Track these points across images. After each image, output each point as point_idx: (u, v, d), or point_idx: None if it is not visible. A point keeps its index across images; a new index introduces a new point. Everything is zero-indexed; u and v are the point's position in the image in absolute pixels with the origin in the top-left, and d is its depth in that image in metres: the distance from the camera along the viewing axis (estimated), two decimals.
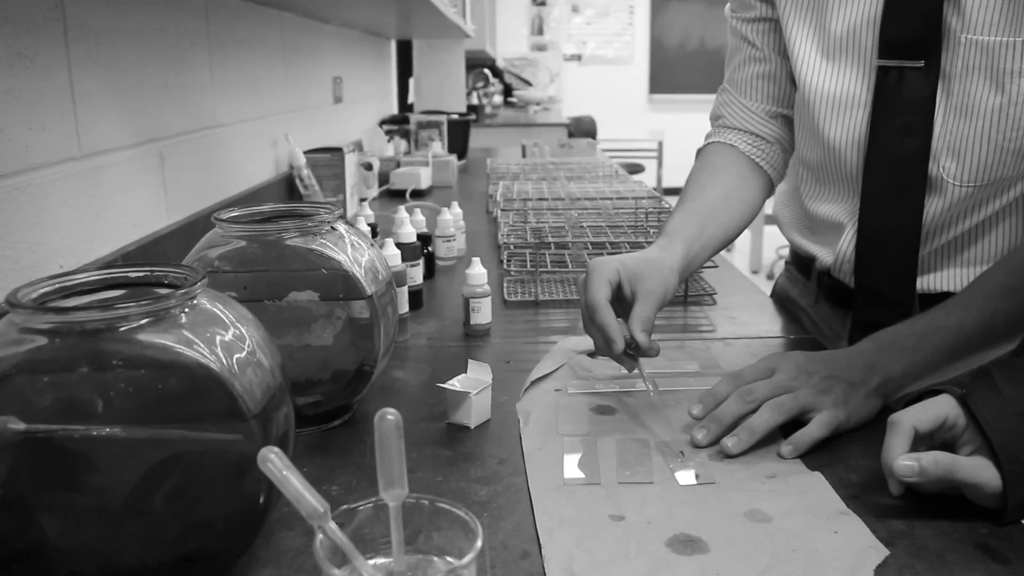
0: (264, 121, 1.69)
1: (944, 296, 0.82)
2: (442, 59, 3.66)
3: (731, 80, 1.04)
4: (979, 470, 0.60)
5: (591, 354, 0.96)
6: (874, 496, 0.65)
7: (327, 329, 0.76)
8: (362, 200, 1.98)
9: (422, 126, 2.68)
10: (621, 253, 0.93)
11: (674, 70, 7.17)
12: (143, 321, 0.51)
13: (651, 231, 1.44)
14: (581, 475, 0.70)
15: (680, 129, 6.44)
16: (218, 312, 0.55)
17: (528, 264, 1.33)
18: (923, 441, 0.64)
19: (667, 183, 6.03)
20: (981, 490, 0.61)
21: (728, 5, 1.04)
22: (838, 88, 0.90)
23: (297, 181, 1.77)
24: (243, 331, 0.56)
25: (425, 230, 1.35)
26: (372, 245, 0.83)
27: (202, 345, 0.51)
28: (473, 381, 0.81)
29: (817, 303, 1.07)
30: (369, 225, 1.42)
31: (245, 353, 0.54)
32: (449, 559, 0.46)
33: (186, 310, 0.53)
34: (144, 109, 1.13)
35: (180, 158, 1.24)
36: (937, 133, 0.84)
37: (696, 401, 0.78)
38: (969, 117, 0.82)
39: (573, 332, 1.06)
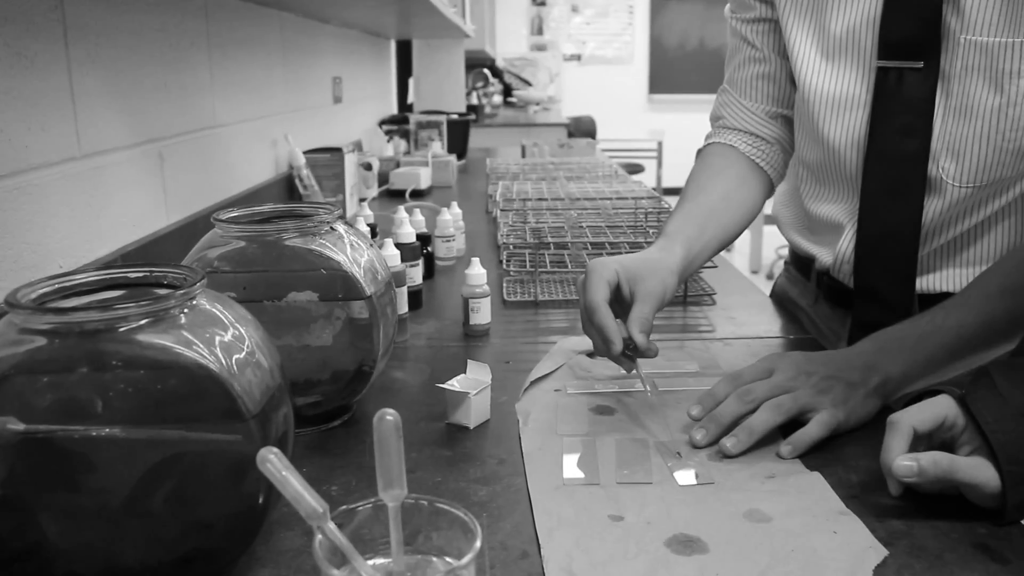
0: (264, 121, 1.69)
1: (943, 296, 0.82)
2: (442, 59, 3.66)
3: (731, 81, 1.05)
4: (978, 470, 0.60)
5: (590, 354, 0.96)
6: (873, 496, 0.65)
7: (326, 329, 0.76)
8: (362, 200, 1.98)
9: (422, 126, 2.68)
10: (620, 253, 0.93)
11: (674, 70, 7.17)
12: (142, 321, 0.51)
13: (650, 231, 1.44)
14: (580, 475, 0.70)
15: (680, 129, 6.44)
16: (217, 312, 0.55)
17: (527, 264, 1.33)
18: (922, 441, 0.64)
19: (667, 183, 6.03)
20: (980, 490, 0.61)
21: (728, 6, 1.04)
22: (838, 89, 0.90)
23: (297, 181, 1.77)
24: (242, 331, 0.56)
25: (424, 230, 1.35)
26: (371, 245, 0.83)
27: (201, 345, 0.51)
28: (472, 381, 0.81)
29: (816, 303, 1.07)
30: (368, 225, 1.42)
31: (244, 353, 0.54)
32: (448, 559, 0.46)
33: (185, 310, 0.53)
34: (144, 109, 1.13)
35: (180, 158, 1.24)
36: (936, 134, 0.84)
37: (695, 402, 0.78)
38: (968, 118, 0.82)
39: (572, 332, 1.06)
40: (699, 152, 1.06)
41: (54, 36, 0.91)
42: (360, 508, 0.46)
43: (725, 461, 0.72)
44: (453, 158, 2.42)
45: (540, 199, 1.68)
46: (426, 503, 0.46)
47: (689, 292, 1.21)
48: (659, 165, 6.25)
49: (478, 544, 0.43)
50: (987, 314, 0.77)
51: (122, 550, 0.50)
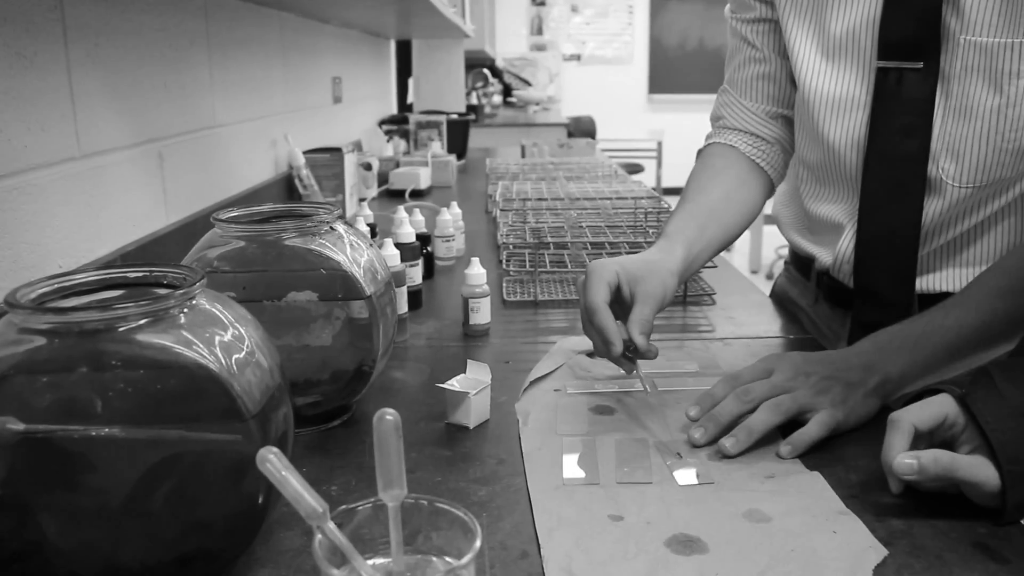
0: (263, 121, 1.69)
1: (943, 296, 0.82)
2: (441, 59, 3.66)
3: (731, 81, 1.05)
4: (978, 468, 0.60)
5: (590, 354, 0.96)
6: (873, 496, 0.66)
7: (326, 329, 0.76)
8: (361, 200, 1.98)
9: (421, 126, 2.68)
10: (620, 253, 0.93)
11: (673, 70, 7.17)
12: (142, 321, 0.51)
13: (650, 231, 1.44)
14: (580, 475, 0.70)
15: (679, 129, 6.44)
16: (217, 312, 0.55)
17: (527, 264, 1.33)
18: (923, 439, 0.64)
19: (666, 183, 6.03)
20: (980, 489, 0.61)
21: (728, 6, 1.04)
22: (838, 89, 0.90)
23: (296, 181, 1.77)
24: (242, 331, 0.56)
25: (424, 230, 1.35)
26: (371, 245, 0.83)
27: (201, 345, 0.51)
28: (472, 381, 0.81)
29: (816, 303, 1.07)
30: (368, 225, 1.42)
31: (244, 353, 0.54)
32: (448, 559, 0.46)
33: (185, 310, 0.53)
34: (143, 109, 1.13)
35: (179, 158, 1.24)
36: (936, 134, 0.84)
37: (693, 403, 0.78)
38: (968, 118, 0.83)
39: (572, 332, 1.06)
40: (699, 152, 1.06)
41: (54, 36, 0.91)
42: (360, 508, 0.46)
43: (725, 461, 0.72)
44: (453, 158, 2.42)
45: (540, 199, 1.68)
46: (426, 503, 0.46)
47: (689, 292, 1.21)
48: (659, 165, 6.25)
49: (478, 544, 0.43)
50: (987, 314, 0.78)
51: (122, 550, 0.50)
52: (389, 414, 0.44)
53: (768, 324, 1.12)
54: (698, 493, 0.67)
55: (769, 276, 4.76)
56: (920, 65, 0.83)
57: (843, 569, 0.56)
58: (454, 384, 0.80)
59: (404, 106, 3.97)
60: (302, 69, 1.99)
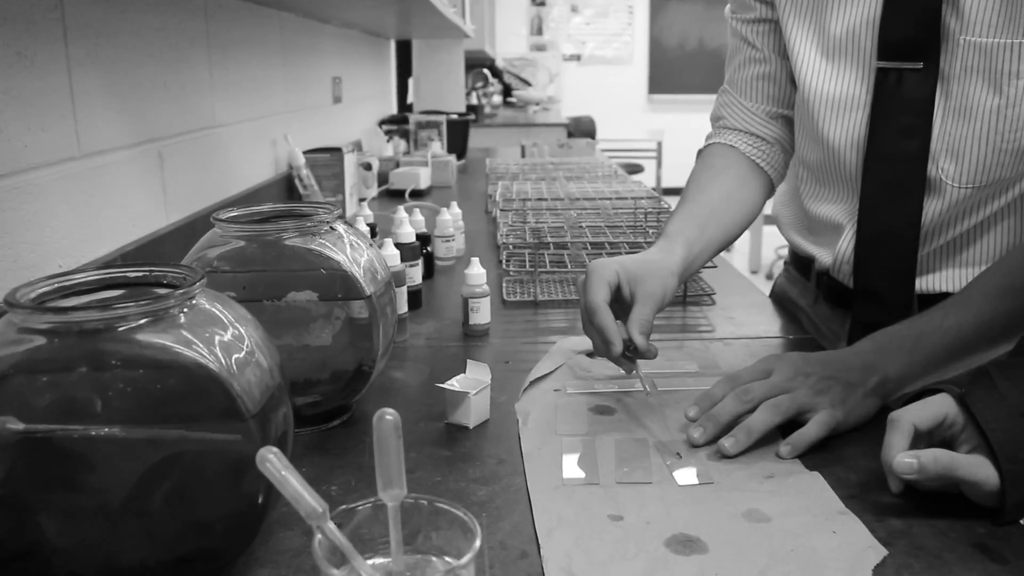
0: (263, 121, 1.69)
1: (943, 296, 0.82)
2: (441, 59, 3.66)
3: (731, 81, 1.05)
4: (978, 468, 0.60)
5: (590, 354, 0.96)
6: (873, 496, 0.66)
7: (326, 329, 0.76)
8: (361, 200, 1.98)
9: (421, 126, 2.68)
10: (620, 253, 0.93)
11: (673, 70, 7.17)
12: (142, 321, 0.51)
13: (650, 231, 1.44)
14: (580, 475, 0.70)
15: (679, 129, 6.44)
16: (217, 312, 0.55)
17: (527, 264, 1.33)
18: (922, 439, 0.64)
19: (666, 183, 6.03)
20: (979, 488, 0.61)
21: (728, 6, 1.04)
22: (838, 89, 0.90)
23: (296, 181, 1.77)
24: (242, 331, 0.56)
25: (424, 230, 1.35)
26: (371, 245, 0.83)
27: (201, 345, 0.51)
28: (472, 381, 0.81)
29: (816, 303, 1.07)
30: (368, 225, 1.42)
31: (244, 353, 0.54)
32: (448, 559, 0.46)
33: (185, 310, 0.53)
34: (143, 109, 1.13)
35: (179, 158, 1.24)
36: (936, 134, 0.84)
37: (692, 403, 0.78)
38: (968, 118, 0.83)
39: (572, 332, 1.06)
40: (699, 152, 1.06)
41: (54, 36, 0.91)
42: (359, 508, 0.46)
43: (724, 461, 0.72)
44: (453, 158, 2.42)
45: (540, 199, 1.68)
46: (425, 503, 0.46)
47: (689, 292, 1.21)
48: (659, 165, 6.25)
49: (477, 544, 0.43)
50: (986, 314, 0.78)
51: (121, 550, 0.50)
52: (389, 414, 0.44)
53: (768, 324, 1.12)
54: (698, 493, 0.67)
55: (769, 276, 4.76)
56: (920, 65, 0.83)
57: (843, 569, 0.56)
58: (454, 384, 0.81)
59: (404, 106, 3.97)
60: (302, 69, 1.99)
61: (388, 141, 2.65)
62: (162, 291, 0.55)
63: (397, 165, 2.34)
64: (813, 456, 0.72)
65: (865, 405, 0.77)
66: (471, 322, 1.06)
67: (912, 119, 0.85)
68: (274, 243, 0.75)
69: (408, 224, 1.23)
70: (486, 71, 5.25)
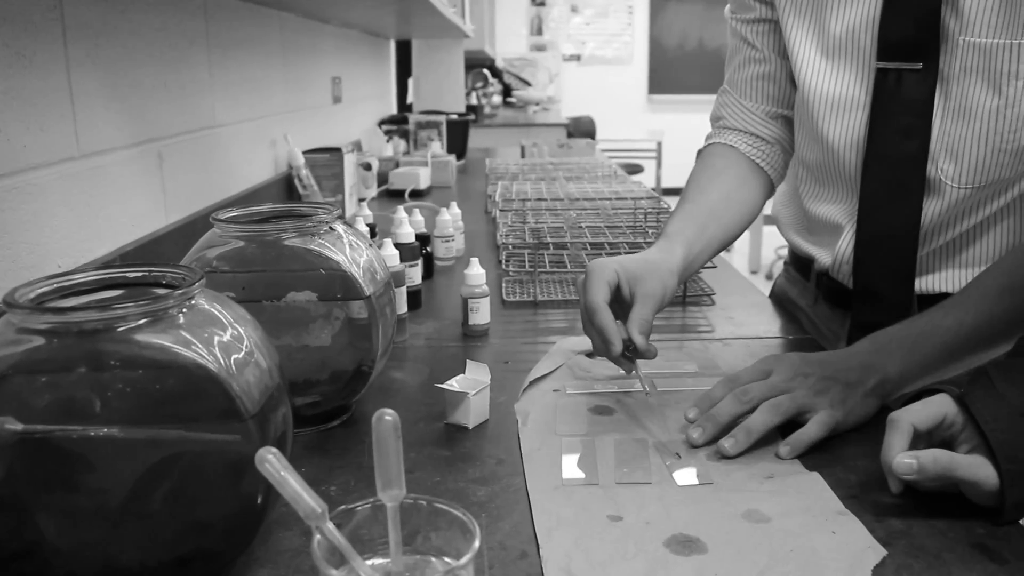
0: (263, 121, 1.69)
1: (942, 297, 0.82)
2: (441, 59, 3.66)
3: (731, 81, 1.05)
4: (977, 468, 0.60)
5: (589, 354, 0.96)
6: (872, 496, 0.66)
7: (325, 329, 0.76)
8: (361, 200, 1.98)
9: (421, 126, 2.68)
10: (619, 253, 0.93)
11: (673, 70, 7.17)
12: (141, 321, 0.50)
13: (650, 231, 1.44)
14: (579, 475, 0.70)
15: (679, 129, 6.44)
16: (216, 312, 0.55)
17: (527, 264, 1.33)
18: (922, 439, 0.64)
19: (666, 183, 6.03)
20: (979, 488, 0.61)
21: (728, 6, 1.04)
22: (837, 89, 0.90)
23: (296, 181, 1.77)
24: (241, 331, 0.56)
25: (424, 230, 1.36)
26: (371, 245, 0.83)
27: (200, 345, 0.51)
28: (471, 381, 0.81)
29: (816, 304, 1.07)
30: (368, 225, 1.42)
31: (243, 353, 0.54)
32: (447, 560, 0.46)
33: (184, 310, 0.53)
34: (143, 109, 1.13)
35: (179, 158, 1.24)
36: (935, 135, 0.84)
37: (691, 405, 0.78)
38: (967, 119, 0.83)
39: (571, 332, 1.06)
40: (699, 152, 1.06)
41: (53, 35, 0.91)
42: (359, 508, 0.46)
43: (724, 461, 0.72)
44: (452, 158, 2.42)
45: (539, 199, 1.68)
46: (425, 503, 0.46)
47: (688, 292, 1.21)
48: (658, 165, 6.25)
49: (477, 544, 0.43)
50: (985, 314, 0.78)
51: (120, 550, 0.50)
52: (388, 414, 0.44)
53: (767, 324, 1.12)
54: (697, 493, 0.67)
55: (769, 276, 4.76)
56: (919, 66, 0.83)
57: (842, 569, 0.56)
58: (453, 384, 0.80)
59: (404, 106, 3.97)
60: (302, 69, 1.99)
61: (388, 141, 2.65)
62: (161, 291, 0.55)
63: (397, 165, 2.34)
64: (813, 456, 0.72)
65: (864, 405, 0.77)
66: (470, 322, 1.06)
67: (911, 119, 0.85)
68: (273, 243, 0.75)
69: (408, 224, 1.23)
70: (486, 71, 5.25)
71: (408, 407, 0.84)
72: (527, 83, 6.14)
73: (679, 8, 7.09)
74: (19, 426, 0.48)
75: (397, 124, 2.85)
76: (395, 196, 2.14)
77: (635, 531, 0.61)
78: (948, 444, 0.65)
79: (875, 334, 0.81)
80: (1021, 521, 0.62)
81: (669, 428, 0.78)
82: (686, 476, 0.69)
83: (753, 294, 1.26)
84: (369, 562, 0.45)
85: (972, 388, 0.64)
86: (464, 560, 0.42)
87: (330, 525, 0.43)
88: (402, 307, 1.10)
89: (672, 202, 1.16)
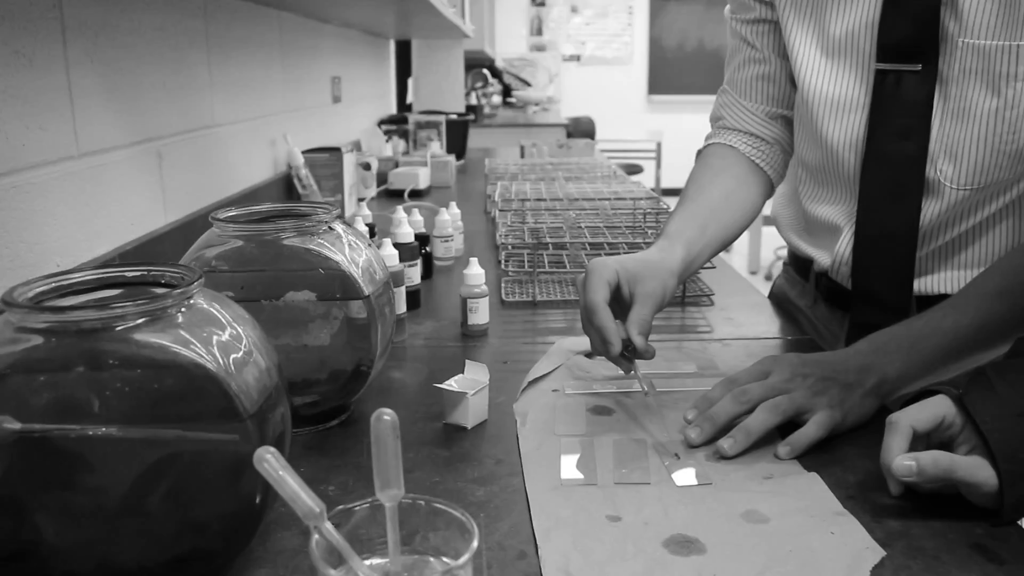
0: (262, 121, 1.69)
1: (941, 298, 0.82)
2: (441, 59, 3.66)
3: (731, 81, 1.05)
4: (977, 469, 0.61)
5: (588, 355, 0.96)
6: (871, 496, 0.66)
7: (324, 329, 0.76)
8: (360, 200, 1.98)
9: (420, 126, 2.68)
10: (619, 254, 0.93)
11: (673, 71, 7.17)
12: (139, 321, 0.50)
13: (649, 232, 1.44)
14: (578, 475, 0.70)
15: (679, 130, 6.44)
16: (215, 312, 0.55)
17: (526, 265, 1.33)
18: (921, 440, 0.64)
19: (665, 184, 6.03)
20: (978, 489, 0.61)
21: (728, 6, 1.04)
22: (837, 90, 0.90)
23: (295, 181, 1.77)
24: (240, 331, 0.56)
25: (423, 230, 1.36)
26: (370, 245, 0.83)
27: (198, 345, 0.51)
28: (470, 381, 0.81)
29: (815, 304, 1.07)
30: (367, 225, 1.42)
31: (242, 353, 0.54)
32: (445, 560, 0.46)
33: (183, 310, 0.53)
34: (142, 108, 1.13)
35: (178, 157, 1.24)
36: (934, 136, 0.85)
37: (691, 406, 0.78)
38: (966, 120, 0.83)
39: (571, 333, 1.06)
40: (699, 153, 1.06)
41: (52, 35, 0.91)
42: (357, 508, 0.46)
43: (723, 462, 0.72)
44: (452, 158, 2.42)
45: (539, 199, 1.68)
46: (423, 503, 0.46)
47: (688, 293, 1.21)
48: (658, 166, 6.25)
49: (475, 544, 0.43)
50: (984, 315, 0.78)
51: (118, 550, 0.50)
52: (387, 414, 0.44)
53: (766, 325, 1.12)
54: (696, 494, 0.67)
55: (768, 277, 4.76)
56: (918, 67, 0.83)
57: (841, 570, 0.56)
58: (452, 384, 0.80)
59: (403, 106, 3.97)
60: (301, 69, 1.99)
61: (387, 141, 2.65)
62: (160, 291, 0.55)
63: (396, 165, 2.34)
64: (811, 457, 0.72)
65: (863, 406, 0.77)
66: (469, 322, 1.06)
67: (911, 121, 0.85)
68: (272, 243, 0.75)
69: (407, 224, 1.23)
70: (486, 71, 5.25)
71: (407, 407, 0.84)
72: (527, 83, 6.14)
73: (679, 8, 7.09)
74: (17, 425, 0.48)
75: (396, 124, 2.85)
76: (394, 196, 2.14)
77: (634, 531, 0.61)
78: (947, 445, 0.65)
79: (874, 335, 0.81)
80: (1020, 522, 0.62)
81: (668, 428, 0.78)
82: (685, 476, 0.69)
83: (752, 295, 1.26)
84: (367, 562, 0.45)
85: (971, 389, 0.64)
86: (462, 560, 0.42)
87: (328, 525, 0.43)
88: (401, 307, 1.10)
89: (672, 202, 1.16)
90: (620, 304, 0.81)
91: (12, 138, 0.84)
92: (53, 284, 0.54)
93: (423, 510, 0.46)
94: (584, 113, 6.45)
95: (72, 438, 0.49)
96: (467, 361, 0.85)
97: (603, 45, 7.25)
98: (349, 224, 0.84)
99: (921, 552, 0.59)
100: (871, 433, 0.73)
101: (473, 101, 4.84)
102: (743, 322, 1.12)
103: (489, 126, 4.29)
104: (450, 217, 1.45)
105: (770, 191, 1.04)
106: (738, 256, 4.97)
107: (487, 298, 1.06)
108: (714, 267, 1.29)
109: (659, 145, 6.24)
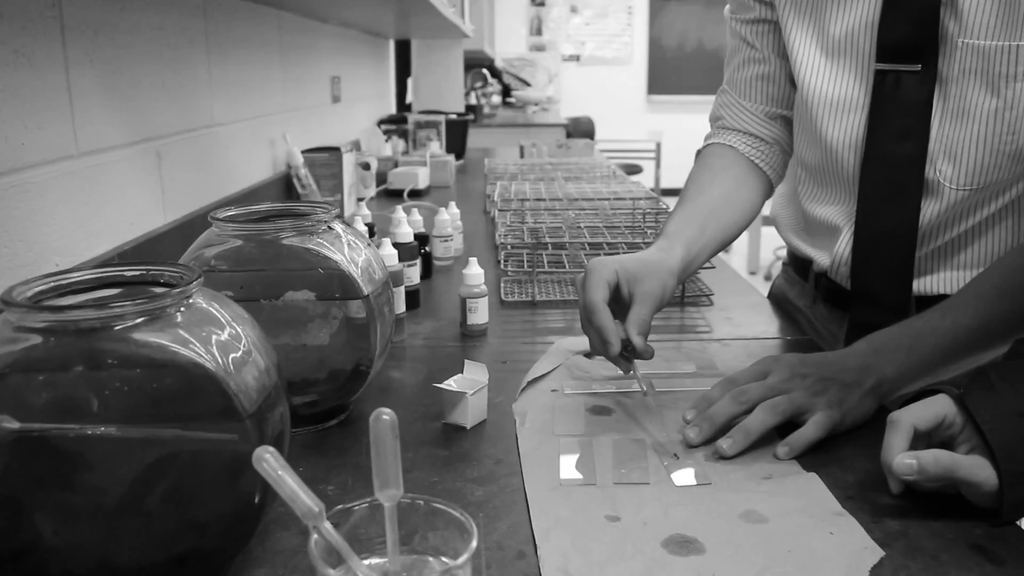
0: (262, 120, 1.69)
1: (940, 298, 0.82)
2: (440, 59, 3.66)
3: (730, 81, 1.05)
4: (978, 469, 0.61)
5: (587, 354, 0.96)
6: (870, 497, 0.66)
7: (323, 329, 0.76)
8: (360, 200, 1.98)
9: (420, 126, 2.68)
10: (618, 254, 0.93)
11: (672, 71, 7.17)
12: (138, 320, 0.50)
13: (648, 232, 1.44)
14: (577, 476, 0.70)
15: (678, 130, 6.44)
16: (214, 311, 0.55)
17: (525, 264, 1.33)
18: (921, 440, 0.64)
19: (665, 184, 6.03)
20: (979, 489, 0.61)
21: (728, 6, 1.04)
22: (837, 90, 0.90)
23: (295, 180, 1.77)
24: (239, 330, 0.56)
25: (422, 230, 1.35)
26: (369, 245, 0.83)
27: (198, 344, 0.51)
28: (469, 381, 0.81)
29: (814, 305, 1.07)
30: (366, 225, 1.42)
31: (241, 352, 0.54)
32: (444, 559, 0.46)
33: (182, 309, 0.53)
34: (141, 108, 1.13)
35: (177, 157, 1.24)
36: (934, 136, 0.85)
37: (690, 406, 0.78)
38: (965, 121, 0.83)
39: (570, 332, 1.06)
40: (699, 153, 1.06)
41: (51, 34, 0.91)
42: (356, 508, 0.46)
43: (722, 462, 0.72)
44: (451, 158, 2.42)
45: (538, 199, 1.68)
46: (422, 503, 0.46)
47: (687, 293, 1.21)
48: (657, 166, 6.25)
49: (474, 544, 0.43)
50: (983, 315, 0.78)
51: (117, 549, 0.50)
52: (386, 414, 0.44)
53: (766, 325, 1.12)
54: (695, 494, 0.67)
55: (767, 277, 4.76)
56: (918, 68, 0.83)
57: (840, 570, 0.56)
58: (451, 384, 0.80)
59: (403, 106, 3.97)
60: (301, 68, 1.99)
61: (387, 141, 2.65)
62: (159, 290, 0.55)
63: (396, 165, 2.34)
64: (810, 457, 0.72)
65: (862, 406, 0.77)
66: (469, 322, 1.06)
67: (910, 121, 0.85)
68: (272, 242, 0.75)
69: (406, 224, 1.23)
70: (485, 71, 5.25)
71: (406, 407, 0.84)
72: (526, 83, 6.14)
73: (678, 8, 7.09)
74: (16, 424, 0.48)
75: (396, 124, 2.85)
76: (394, 196, 2.14)
77: (633, 531, 0.61)
78: (947, 444, 0.65)
79: (873, 335, 0.81)
80: (1019, 522, 0.62)
81: (667, 428, 0.78)
82: (684, 476, 0.69)
83: (751, 295, 1.26)
84: (366, 562, 0.45)
85: (971, 389, 0.64)
86: (461, 560, 0.42)
87: (327, 524, 0.43)
88: (400, 307, 1.10)
89: (671, 202, 1.16)
90: (619, 304, 0.81)
91: (11, 137, 0.84)
92: (52, 283, 0.54)
93: (422, 510, 0.46)
94: (584, 113, 6.45)
95: (71, 437, 0.49)
96: (466, 361, 0.84)
97: (603, 45, 7.25)
98: (348, 224, 0.84)
99: (920, 552, 0.59)
100: (870, 433, 0.73)
101: (473, 101, 4.84)
102: (742, 322, 1.12)
103: (488, 126, 4.29)
104: (449, 217, 1.45)
105: (769, 191, 1.04)
106: (737, 256, 4.98)
107: (486, 298, 1.06)
108: (713, 267, 1.29)
109: (658, 145, 6.23)
